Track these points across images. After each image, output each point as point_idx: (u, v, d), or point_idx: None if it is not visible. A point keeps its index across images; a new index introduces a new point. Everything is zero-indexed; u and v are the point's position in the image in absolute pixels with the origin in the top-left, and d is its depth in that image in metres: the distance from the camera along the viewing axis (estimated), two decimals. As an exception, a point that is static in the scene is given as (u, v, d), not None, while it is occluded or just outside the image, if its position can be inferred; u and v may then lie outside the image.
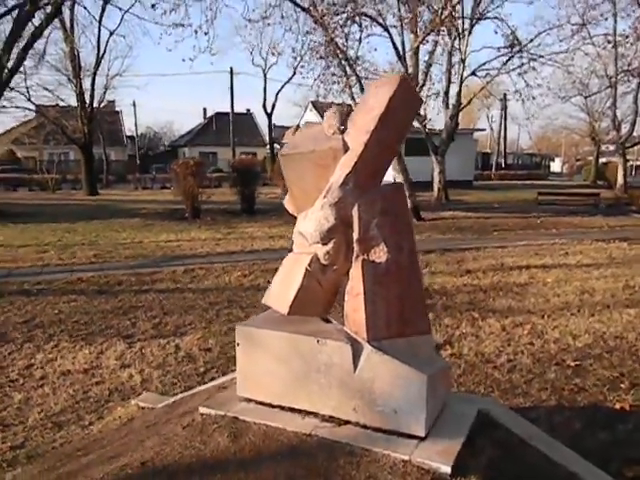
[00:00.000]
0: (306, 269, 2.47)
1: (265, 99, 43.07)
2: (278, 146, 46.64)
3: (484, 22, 19.82)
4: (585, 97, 31.55)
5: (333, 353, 2.36)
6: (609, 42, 23.59)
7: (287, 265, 2.63)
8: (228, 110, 39.31)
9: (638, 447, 3.30)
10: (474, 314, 6.02)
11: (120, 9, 21.32)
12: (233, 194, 18.42)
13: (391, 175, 15.31)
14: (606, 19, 22.73)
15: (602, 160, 40.86)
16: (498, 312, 6.14)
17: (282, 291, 2.57)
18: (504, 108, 46.90)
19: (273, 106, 43.39)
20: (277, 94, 43.12)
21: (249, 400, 2.59)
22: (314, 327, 2.51)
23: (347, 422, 2.37)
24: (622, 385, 4.22)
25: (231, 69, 37.37)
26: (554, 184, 36.87)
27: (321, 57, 15.45)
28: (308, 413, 2.45)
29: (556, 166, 62.88)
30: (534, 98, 20.00)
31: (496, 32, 17.97)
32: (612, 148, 34.77)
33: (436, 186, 21.43)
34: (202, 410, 2.58)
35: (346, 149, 2.40)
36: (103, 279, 7.76)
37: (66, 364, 4.63)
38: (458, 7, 16.93)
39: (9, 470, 3.03)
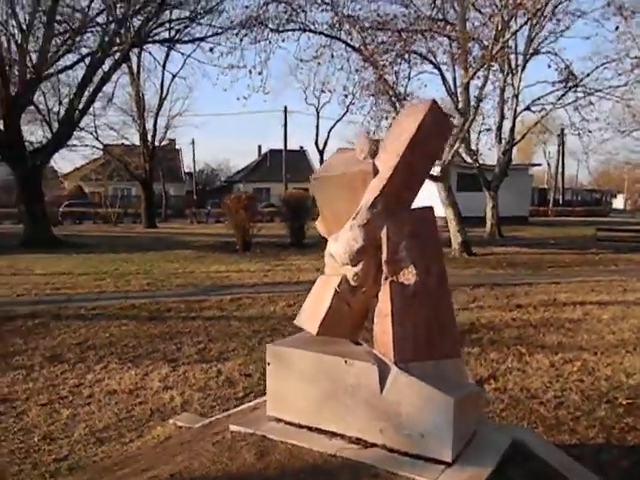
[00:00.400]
0: (335, 290, 2.51)
1: (317, 136, 44.10)
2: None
3: (538, 57, 19.72)
4: (647, 131, 30.41)
5: (360, 374, 2.36)
6: (672, 74, 22.81)
7: (318, 287, 2.68)
8: (282, 147, 40.44)
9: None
10: (521, 349, 5.82)
11: (182, 54, 22.66)
12: (283, 228, 18.77)
13: (440, 209, 15.23)
14: (667, 51, 22.07)
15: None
16: (547, 348, 5.90)
17: (312, 312, 2.62)
18: (561, 143, 45.88)
19: (325, 143, 44.34)
20: (329, 131, 44.14)
21: (278, 420, 2.62)
22: (343, 348, 2.53)
23: (373, 445, 2.35)
24: (678, 427, 3.95)
25: (285, 108, 38.67)
26: (615, 221, 35.38)
27: (372, 94, 15.75)
28: (335, 434, 2.45)
29: (619, 203, 60.44)
30: (590, 131, 19.54)
31: (549, 66, 17.82)
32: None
33: (489, 221, 21.08)
34: (232, 428, 2.63)
35: (376, 173, 2.46)
36: (154, 306, 8.03)
37: (113, 384, 4.80)
38: (510, 42, 16.97)
39: (51, 480, 3.15)
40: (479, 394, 2.65)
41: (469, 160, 21.64)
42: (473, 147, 21.11)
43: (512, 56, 19.09)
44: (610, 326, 6.87)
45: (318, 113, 44.86)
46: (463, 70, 14.17)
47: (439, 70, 14.93)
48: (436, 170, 14.95)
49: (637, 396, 4.50)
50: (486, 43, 13.79)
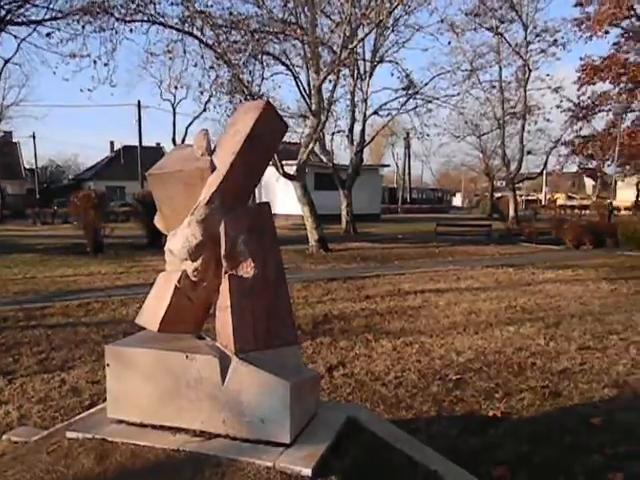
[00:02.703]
0: (175, 286, 2.51)
1: (174, 133, 42.63)
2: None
3: (384, 65, 21.18)
4: (478, 137, 34.19)
5: (202, 367, 2.40)
6: (495, 87, 25.91)
7: (159, 283, 2.66)
8: (136, 144, 38.48)
9: (505, 451, 3.56)
10: (368, 336, 6.25)
11: (16, 37, 20.47)
12: (139, 228, 17.92)
13: (297, 207, 15.67)
14: (492, 67, 25.05)
15: (497, 195, 44.12)
16: (391, 333, 6.41)
17: (153, 309, 2.59)
18: (407, 146, 49.63)
19: (183, 140, 42.94)
20: (187, 128, 42.81)
21: (120, 421, 2.56)
22: (185, 343, 2.54)
23: (217, 435, 2.40)
24: (496, 395, 4.54)
25: (139, 102, 36.83)
26: (453, 217, 39.19)
27: (227, 93, 15.68)
28: (179, 430, 2.46)
29: (457, 201, 67.04)
30: (429, 136, 21.48)
31: (392, 74, 19.25)
32: (505, 184, 37.64)
33: (344, 219, 22.14)
34: (69, 435, 2.51)
35: (213, 169, 2.51)
36: (-15, 317, 7.23)
37: None
38: (358, 49, 17.98)
39: None
40: (316, 378, 2.82)
41: (325, 160, 22.52)
42: (328, 148, 22.01)
43: (360, 63, 20.23)
44: (445, 311, 7.64)
45: (174, 109, 43.32)
46: (315, 73, 14.69)
47: (292, 72, 15.31)
48: (292, 169, 15.36)
49: (464, 371, 5.09)
50: (335, 49, 14.46)
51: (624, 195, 40.91)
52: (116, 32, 13.87)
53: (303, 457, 2.26)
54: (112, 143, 55.59)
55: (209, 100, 16.51)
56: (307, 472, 2.16)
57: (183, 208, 2.53)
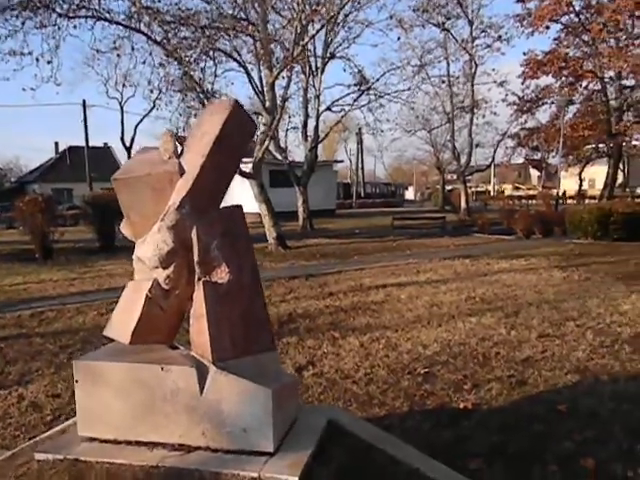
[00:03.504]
0: (147, 295, 2.41)
1: (123, 132, 41.51)
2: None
3: (335, 61, 21.21)
4: (428, 131, 34.85)
5: (178, 379, 2.31)
6: (444, 82, 26.45)
7: (127, 293, 2.54)
8: (83, 144, 37.17)
9: (479, 442, 3.60)
10: (335, 334, 6.23)
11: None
12: (90, 232, 17.31)
13: (255, 205, 15.51)
14: (440, 62, 25.56)
15: (448, 187, 45.09)
16: (357, 330, 6.42)
17: (123, 320, 2.48)
18: (360, 141, 50.03)
19: (132, 139, 41.96)
20: (136, 127, 41.89)
21: (92, 439, 2.44)
22: (158, 355, 2.45)
23: (197, 448, 2.33)
24: (465, 386, 4.60)
25: (84, 101, 35.61)
26: (407, 210, 39.79)
27: (178, 90, 15.34)
28: (156, 445, 2.37)
29: (410, 194, 68.14)
30: (382, 131, 21.70)
31: (344, 70, 19.37)
32: (455, 176, 38.52)
33: (300, 215, 22.10)
34: (38, 457, 2.38)
35: (182, 172, 2.42)
36: None
37: None
38: (310, 46, 17.93)
39: None
40: (296, 383, 2.78)
41: (279, 157, 22.40)
42: (282, 145, 21.90)
43: (312, 59, 20.21)
44: (407, 304, 7.72)
45: (122, 108, 42.21)
46: (268, 70, 14.55)
47: (245, 69, 15.11)
48: (248, 167, 15.18)
49: (432, 364, 5.14)
50: (287, 45, 14.36)
51: (567, 185, 42.66)
52: (59, 28, 13.28)
53: (288, 465, 2.21)
54: (57, 144, 53.44)
55: (159, 98, 16.06)
56: (294, 480, 2.12)
57: (152, 214, 2.43)
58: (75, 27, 13.56)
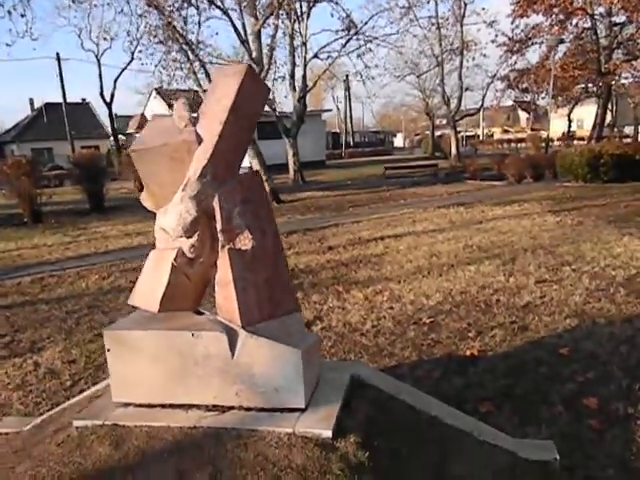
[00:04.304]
0: (172, 264, 2.45)
1: (102, 87, 40.31)
2: (123, 137, 44.02)
3: (322, 5, 20.51)
4: (417, 76, 34.26)
5: (209, 344, 2.39)
6: (433, 24, 25.77)
7: (152, 262, 2.58)
8: (60, 100, 36.07)
9: (487, 387, 3.77)
10: (339, 288, 6.36)
11: None
12: (78, 192, 17.14)
13: (246, 160, 15.36)
14: (428, 2, 24.79)
15: (437, 133, 44.73)
16: (360, 283, 6.54)
17: (149, 289, 2.53)
18: (347, 89, 49.07)
19: (112, 95, 40.79)
20: (115, 81, 40.63)
21: (127, 405, 2.53)
22: (187, 321, 2.51)
23: (231, 408, 2.43)
24: (470, 334, 4.77)
25: (58, 55, 34.21)
26: (398, 158, 39.59)
27: (160, 41, 14.84)
28: (190, 406, 2.46)
29: (398, 141, 67.58)
30: (373, 78, 21.31)
31: (332, 15, 18.77)
32: (445, 122, 38.17)
33: (291, 168, 21.95)
34: (76, 423, 2.47)
35: (199, 141, 2.41)
36: None
37: None
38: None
39: None
40: (319, 342, 2.87)
41: (268, 108, 21.97)
42: (270, 96, 21.43)
43: (297, 4, 19.50)
44: (407, 255, 7.84)
45: (99, 61, 40.78)
46: (253, 17, 14.08)
47: (228, 16, 14.61)
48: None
49: (436, 314, 5.29)
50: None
51: (556, 126, 42.47)
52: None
53: (320, 419, 2.32)
54: (32, 101, 51.71)
55: (140, 50, 15.54)
56: (328, 434, 2.24)
57: (171, 183, 2.43)
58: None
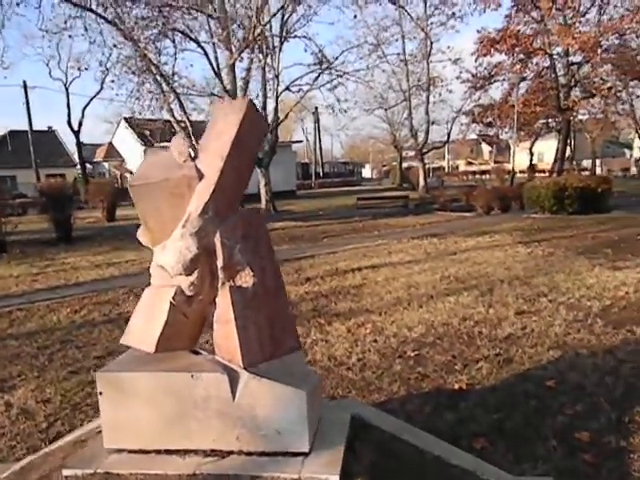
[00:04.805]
0: (171, 303, 2.37)
1: (70, 115, 39.81)
2: (90, 165, 43.33)
3: (294, 40, 20.94)
4: (385, 109, 35.06)
5: (209, 385, 2.30)
6: (401, 60, 26.58)
7: (148, 300, 2.49)
8: (26, 128, 35.43)
9: (480, 421, 3.74)
10: (320, 320, 6.29)
11: None
12: (44, 221, 16.67)
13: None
14: (396, 40, 25.64)
15: (405, 165, 45.62)
16: (341, 315, 6.49)
17: (145, 328, 2.43)
18: (317, 121, 49.81)
19: (80, 123, 40.30)
20: (84, 110, 40.19)
21: (120, 451, 2.40)
22: (185, 361, 2.42)
23: (230, 452, 2.33)
24: (456, 367, 4.75)
25: (24, 83, 33.77)
26: (367, 189, 40.11)
27: (133, 72, 14.80)
28: (188, 452, 2.35)
29: (366, 172, 68.65)
30: (346, 111, 21.70)
31: (306, 50, 19.11)
32: (412, 154, 39.01)
33: (264, 198, 21.95)
34: (66, 472, 2.32)
35: (200, 176, 2.37)
36: None
37: None
38: (268, 25, 17.58)
39: None
40: (320, 381, 2.81)
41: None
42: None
43: (270, 38, 19.85)
44: (385, 287, 7.85)
45: (67, 89, 40.35)
46: (227, 51, 14.23)
47: (203, 49, 14.73)
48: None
49: (420, 347, 5.27)
50: (247, 24, 14.05)
51: (518, 159, 43.88)
52: (1, 5, 12.55)
53: (326, 464, 2.25)
54: (-5, 128, 50.67)
55: (110, 79, 15.48)
56: (335, 479, 2.16)
57: (171, 219, 2.37)
58: (18, 4, 12.80)
